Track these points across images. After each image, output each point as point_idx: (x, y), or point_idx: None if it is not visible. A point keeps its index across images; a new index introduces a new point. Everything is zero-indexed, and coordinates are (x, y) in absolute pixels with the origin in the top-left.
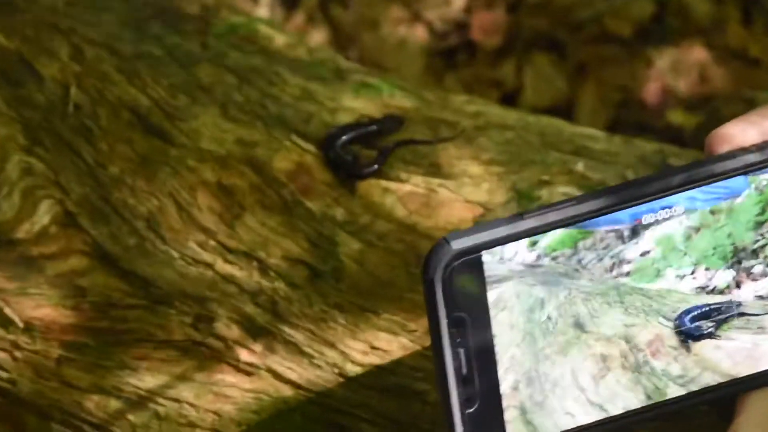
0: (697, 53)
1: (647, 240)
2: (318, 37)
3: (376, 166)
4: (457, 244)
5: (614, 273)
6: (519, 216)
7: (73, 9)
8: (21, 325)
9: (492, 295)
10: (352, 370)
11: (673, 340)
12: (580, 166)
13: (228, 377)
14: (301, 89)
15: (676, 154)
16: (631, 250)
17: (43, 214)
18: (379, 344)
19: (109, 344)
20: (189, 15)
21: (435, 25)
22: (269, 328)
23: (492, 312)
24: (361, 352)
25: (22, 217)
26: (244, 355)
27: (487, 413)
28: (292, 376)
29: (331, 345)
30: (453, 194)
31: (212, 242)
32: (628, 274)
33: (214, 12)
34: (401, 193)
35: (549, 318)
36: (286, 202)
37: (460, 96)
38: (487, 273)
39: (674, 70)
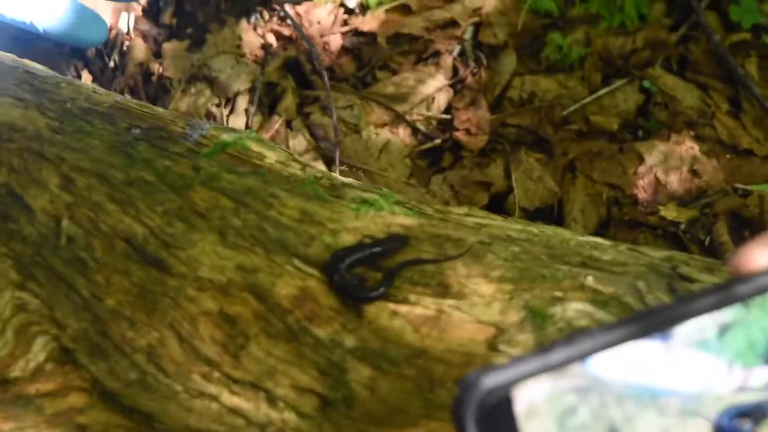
0: (687, 146)
1: (679, 330)
2: (298, 143)
3: (383, 289)
4: (488, 381)
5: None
6: (548, 348)
7: (58, 135)
8: None
9: (521, 418)
10: None
11: None
12: (590, 280)
13: None
14: (300, 211)
15: (684, 261)
16: (662, 340)
17: (39, 351)
18: None
19: None
20: (175, 134)
21: (418, 126)
22: None
23: None
24: None
25: (17, 355)
26: None
27: None
28: None
29: None
30: (464, 315)
31: (217, 374)
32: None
33: (198, 129)
34: (411, 316)
35: (583, 425)
36: (291, 329)
37: (458, 209)
38: (519, 408)
39: (664, 164)
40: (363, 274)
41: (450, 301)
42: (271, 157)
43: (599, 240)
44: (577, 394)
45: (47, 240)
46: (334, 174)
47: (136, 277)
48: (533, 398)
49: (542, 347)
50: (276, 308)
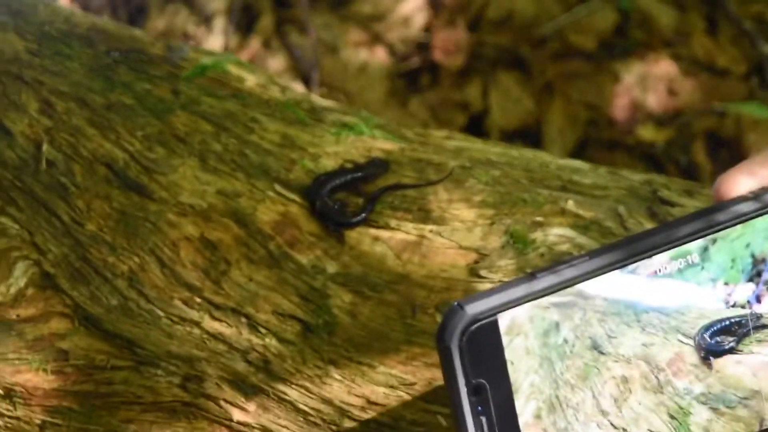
0: (664, 66)
1: (661, 257)
2: (276, 63)
3: (364, 215)
4: (472, 309)
5: (629, 292)
6: (532, 276)
7: (37, 58)
8: (1, 392)
9: (506, 340)
10: (350, 426)
11: (694, 357)
12: (570, 204)
13: None
14: (281, 135)
15: (664, 184)
16: (645, 267)
17: (20, 276)
18: (376, 399)
19: (94, 408)
20: (155, 56)
21: (396, 47)
22: (262, 386)
23: (511, 373)
24: (359, 407)
25: None
26: (236, 414)
27: None
28: None
29: (328, 401)
30: (446, 240)
31: (198, 299)
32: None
33: (179, 51)
34: (392, 241)
35: (565, 341)
36: (273, 255)
37: (438, 131)
38: (502, 330)
39: (642, 84)
40: (344, 200)
41: (431, 227)
42: (251, 80)
43: (579, 163)
44: (559, 310)
45: (27, 165)
46: (314, 96)
47: (116, 202)
48: (516, 315)
49: (526, 275)
50: (257, 234)
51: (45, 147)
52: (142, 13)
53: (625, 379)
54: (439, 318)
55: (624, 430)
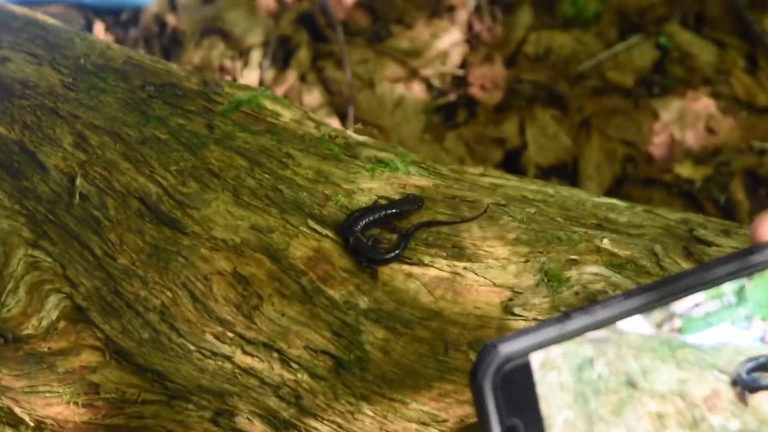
0: (703, 104)
1: (697, 297)
2: (312, 98)
3: (397, 251)
4: (506, 348)
5: (665, 329)
6: (566, 316)
7: (72, 92)
8: (32, 424)
9: (539, 376)
10: None
11: (730, 393)
12: (606, 243)
13: None
14: (315, 171)
15: (701, 224)
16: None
17: (51, 309)
18: None
19: None
20: (190, 91)
21: (432, 82)
22: (294, 422)
23: (545, 411)
24: None
25: (29, 313)
26: None
27: None
28: None
29: None
30: (479, 278)
31: (230, 334)
32: (679, 330)
33: (214, 87)
34: (425, 278)
35: (600, 376)
36: (305, 290)
37: (474, 168)
38: (536, 367)
39: (680, 121)
40: (378, 236)
41: (465, 264)
42: (286, 115)
43: (615, 201)
44: (593, 345)
45: (60, 198)
46: (348, 132)
47: (149, 236)
48: (550, 351)
49: (561, 315)
50: (290, 269)
51: (78, 181)
52: (178, 45)
53: (660, 416)
54: (472, 356)
55: None
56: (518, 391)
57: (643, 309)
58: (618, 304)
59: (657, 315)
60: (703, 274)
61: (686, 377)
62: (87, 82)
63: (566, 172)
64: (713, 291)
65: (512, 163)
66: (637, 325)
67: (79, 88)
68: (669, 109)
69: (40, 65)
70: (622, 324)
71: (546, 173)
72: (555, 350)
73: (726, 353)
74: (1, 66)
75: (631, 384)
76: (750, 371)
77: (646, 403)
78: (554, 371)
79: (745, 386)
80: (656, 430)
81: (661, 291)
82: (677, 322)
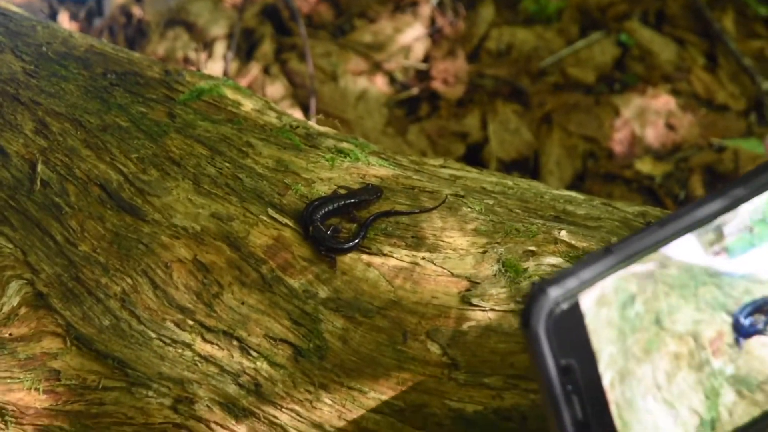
0: (663, 101)
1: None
2: (275, 90)
3: (357, 241)
4: (555, 291)
5: (714, 249)
6: (607, 251)
7: (33, 79)
8: None
9: (588, 315)
10: None
11: (730, 337)
12: (564, 234)
13: None
14: (276, 160)
15: (658, 217)
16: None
17: (12, 295)
18: (367, 425)
19: (86, 428)
20: (151, 79)
21: (395, 75)
22: (253, 410)
23: (595, 347)
24: None
25: None
26: None
27: None
28: None
29: (318, 426)
30: (438, 268)
31: (190, 321)
32: (726, 250)
33: (176, 75)
34: (385, 268)
35: (637, 314)
36: (265, 279)
37: (434, 160)
38: (584, 310)
39: (640, 118)
40: (337, 225)
41: (424, 254)
42: (248, 105)
43: (573, 194)
44: (637, 282)
45: (21, 184)
46: (310, 123)
47: (110, 223)
48: (603, 287)
49: (602, 250)
50: (250, 257)
51: (40, 167)
52: (143, 36)
53: (676, 356)
54: (430, 345)
55: (672, 405)
56: (569, 331)
57: (682, 233)
58: (656, 233)
59: (709, 235)
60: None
61: (700, 318)
62: (48, 70)
63: (527, 167)
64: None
65: (474, 157)
66: (686, 250)
67: (41, 75)
68: (629, 106)
69: (1, 52)
70: (672, 249)
71: (507, 167)
72: (607, 286)
73: (737, 291)
74: None
75: (659, 323)
76: (748, 314)
77: (668, 343)
78: (603, 307)
79: (740, 331)
80: (673, 369)
81: (698, 212)
82: (728, 240)
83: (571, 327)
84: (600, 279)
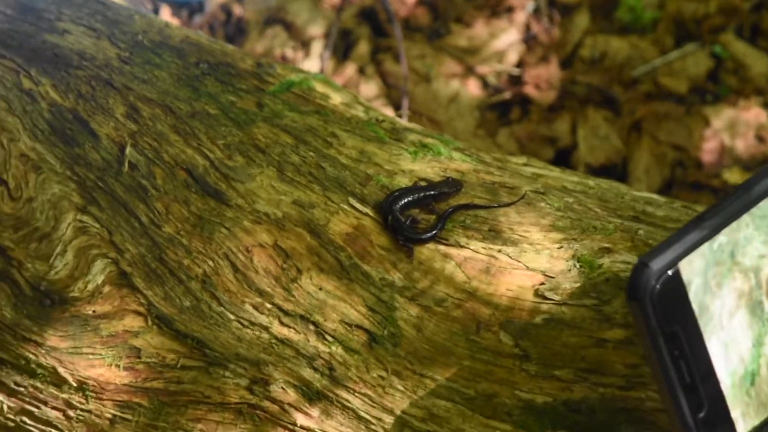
0: (754, 113)
1: None
2: (369, 89)
3: (435, 232)
4: (657, 264)
5: None
6: (700, 220)
7: (127, 66)
8: (74, 384)
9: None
10: None
11: None
12: (641, 234)
13: None
14: (359, 151)
15: None
16: None
17: (97, 274)
18: (437, 412)
19: (163, 406)
20: (243, 71)
21: (488, 79)
22: (326, 393)
23: (698, 314)
24: (420, 419)
25: (76, 276)
26: (300, 419)
27: (714, 411)
28: None
29: (389, 411)
30: (513, 261)
31: (268, 305)
32: None
33: (267, 68)
34: (461, 259)
35: (720, 246)
36: (343, 265)
37: (517, 158)
38: (683, 277)
39: (731, 129)
40: (416, 216)
41: (500, 247)
42: (336, 98)
43: (654, 196)
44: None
45: (110, 166)
46: (397, 118)
47: (194, 206)
48: (696, 255)
49: (694, 220)
50: (329, 244)
51: (129, 150)
52: (242, 34)
53: (740, 293)
54: (503, 336)
55: (727, 346)
56: (673, 299)
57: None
58: (744, 196)
59: None
60: None
61: (765, 252)
62: (143, 57)
63: (615, 173)
64: None
65: (563, 161)
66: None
67: (135, 62)
68: (720, 117)
69: (98, 39)
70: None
71: (596, 173)
72: (698, 263)
73: None
74: (61, 38)
75: (732, 256)
76: None
77: (735, 278)
78: (701, 281)
79: None
80: (736, 306)
81: None
82: None
83: (673, 296)
84: (695, 248)
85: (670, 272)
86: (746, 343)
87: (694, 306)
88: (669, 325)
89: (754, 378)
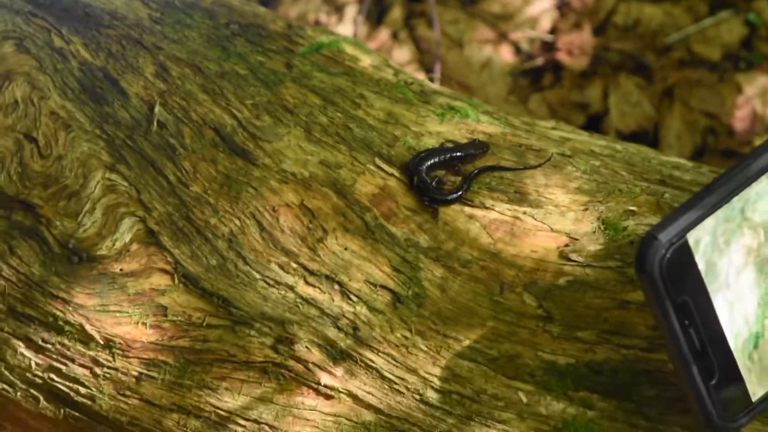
0: None
1: None
2: (402, 54)
3: (460, 193)
4: (665, 236)
5: None
6: (707, 191)
7: (158, 26)
8: (101, 342)
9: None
10: (433, 397)
11: None
12: (667, 197)
13: (308, 400)
14: (387, 112)
15: None
16: None
17: (125, 232)
18: (460, 372)
19: (189, 364)
20: (273, 32)
21: (521, 45)
22: (350, 352)
23: (707, 282)
24: (442, 379)
25: (104, 234)
26: (324, 378)
27: (726, 377)
28: (373, 401)
29: (413, 371)
30: (538, 223)
31: (294, 264)
32: None
33: (298, 30)
34: (486, 220)
35: (732, 205)
36: (368, 226)
37: (545, 122)
38: (692, 247)
39: (763, 97)
40: (442, 177)
41: (525, 209)
42: (365, 60)
43: (681, 161)
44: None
45: (139, 125)
46: (426, 81)
47: (222, 165)
48: (704, 224)
49: (702, 191)
50: (355, 204)
51: (157, 108)
52: None
53: (748, 250)
54: (526, 297)
55: (732, 306)
56: (682, 270)
57: None
58: (750, 167)
59: None
60: None
61: None
62: (173, 17)
63: (646, 140)
64: None
65: (594, 127)
66: None
67: (165, 22)
68: (753, 84)
69: None
70: None
71: (626, 139)
72: (708, 222)
73: None
74: None
75: (742, 212)
76: None
77: (744, 234)
78: (709, 238)
79: None
80: (744, 264)
81: None
82: None
83: (683, 266)
84: (704, 218)
85: (679, 243)
86: (752, 303)
87: (701, 266)
88: (679, 295)
89: (758, 341)
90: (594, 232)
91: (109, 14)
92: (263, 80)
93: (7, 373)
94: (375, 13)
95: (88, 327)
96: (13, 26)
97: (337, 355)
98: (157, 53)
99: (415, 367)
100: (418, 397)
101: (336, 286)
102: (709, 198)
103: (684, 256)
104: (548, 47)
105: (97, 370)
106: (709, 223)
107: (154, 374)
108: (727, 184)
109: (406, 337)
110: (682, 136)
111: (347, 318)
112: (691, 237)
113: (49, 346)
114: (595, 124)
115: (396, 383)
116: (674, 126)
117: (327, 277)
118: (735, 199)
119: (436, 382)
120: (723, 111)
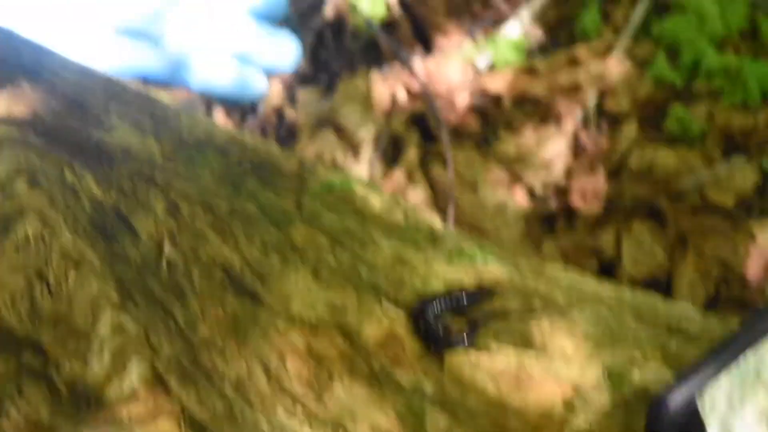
0: None
1: None
2: (416, 195)
3: (466, 339)
4: (674, 402)
5: None
6: (719, 350)
7: (170, 163)
8: None
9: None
10: None
11: None
12: (673, 347)
13: None
14: (394, 254)
15: None
16: None
17: (133, 374)
18: None
19: None
20: (286, 170)
21: (535, 189)
22: None
23: None
24: None
25: (112, 376)
26: None
27: None
28: None
29: None
30: (544, 372)
31: (300, 409)
32: None
33: (311, 169)
34: (491, 367)
35: (746, 361)
36: (374, 371)
37: (554, 266)
38: (704, 409)
39: None
40: (448, 323)
41: (531, 356)
42: (376, 201)
43: (689, 311)
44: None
45: (148, 264)
46: (436, 223)
47: (230, 307)
48: (714, 387)
49: (713, 351)
50: (362, 349)
51: (167, 248)
52: (293, 137)
53: (762, 412)
54: None
55: None
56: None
57: None
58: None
59: None
60: None
61: None
62: (186, 155)
63: (659, 287)
64: None
65: (607, 273)
66: None
67: (178, 159)
68: (766, 232)
69: (143, 135)
70: None
71: (639, 286)
72: (721, 382)
73: None
74: (108, 134)
75: (757, 373)
76: None
77: (758, 394)
78: (723, 400)
79: None
80: (757, 423)
81: None
82: None
83: (694, 427)
84: (715, 378)
85: (690, 406)
86: None
87: (714, 430)
88: None
89: None
90: (599, 381)
91: (123, 151)
92: (273, 220)
93: None
94: (390, 153)
95: None
96: (26, 161)
97: None
98: (169, 190)
99: None
100: None
101: None
102: (721, 357)
103: (695, 418)
104: (562, 191)
105: None
106: (721, 383)
107: None
108: (739, 341)
109: None
110: (696, 285)
111: None
112: (703, 399)
113: None
114: (608, 270)
115: None
116: (687, 274)
117: (333, 423)
118: (749, 358)
119: None
120: (736, 260)
